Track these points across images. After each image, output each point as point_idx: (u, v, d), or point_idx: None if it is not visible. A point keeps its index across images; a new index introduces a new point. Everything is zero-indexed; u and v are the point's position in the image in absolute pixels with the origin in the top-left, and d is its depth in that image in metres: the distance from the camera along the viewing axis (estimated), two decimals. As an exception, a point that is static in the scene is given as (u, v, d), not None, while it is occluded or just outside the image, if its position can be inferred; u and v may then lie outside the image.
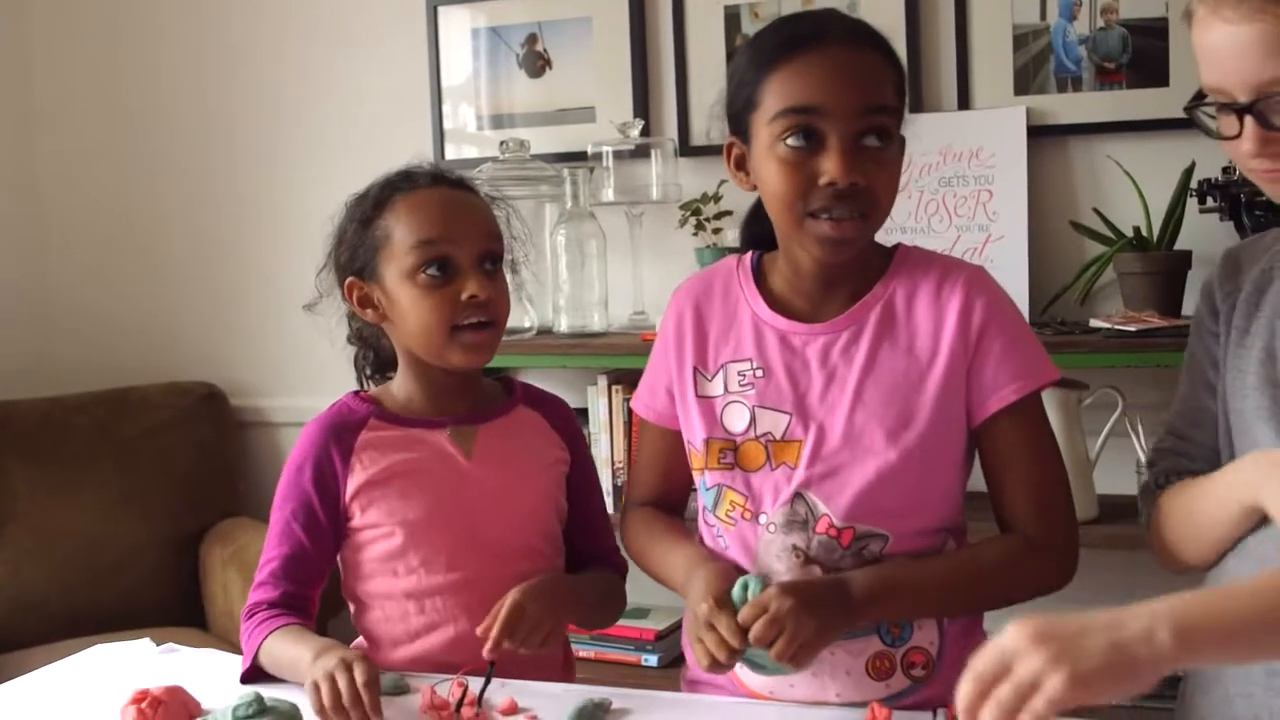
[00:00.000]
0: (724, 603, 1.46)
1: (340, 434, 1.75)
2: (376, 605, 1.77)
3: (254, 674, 1.69)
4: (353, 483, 1.73)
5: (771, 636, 1.41)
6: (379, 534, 1.74)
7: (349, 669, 1.49)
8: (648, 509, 1.77)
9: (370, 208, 1.74)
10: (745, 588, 1.46)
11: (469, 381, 1.78)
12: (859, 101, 1.50)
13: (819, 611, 1.43)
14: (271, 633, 1.67)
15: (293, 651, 1.63)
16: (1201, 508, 1.49)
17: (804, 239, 1.56)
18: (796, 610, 1.41)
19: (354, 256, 1.75)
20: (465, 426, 1.77)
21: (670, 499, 1.77)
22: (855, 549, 1.56)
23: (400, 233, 1.70)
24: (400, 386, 1.80)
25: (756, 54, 1.56)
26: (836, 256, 1.57)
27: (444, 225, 1.70)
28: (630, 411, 2.87)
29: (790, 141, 1.52)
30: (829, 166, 1.50)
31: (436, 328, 1.69)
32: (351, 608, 1.81)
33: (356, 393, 1.82)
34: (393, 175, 1.77)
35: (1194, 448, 1.59)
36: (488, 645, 1.57)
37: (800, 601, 1.42)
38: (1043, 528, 1.59)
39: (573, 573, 1.81)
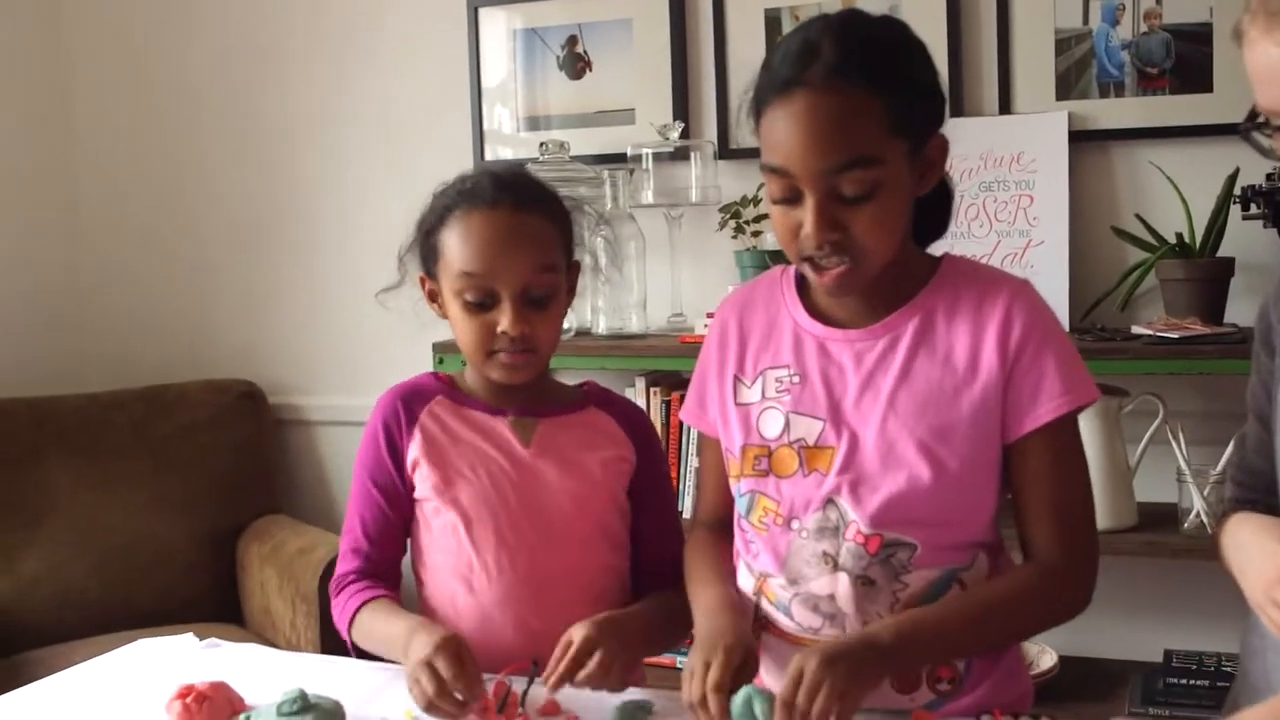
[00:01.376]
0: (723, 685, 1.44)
1: (409, 402, 1.80)
2: (431, 583, 1.80)
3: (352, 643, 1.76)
4: (412, 451, 1.77)
5: (811, 702, 1.37)
6: (432, 508, 1.77)
7: (443, 651, 1.51)
8: (704, 533, 1.76)
9: (435, 216, 1.76)
10: (749, 703, 1.41)
11: (527, 384, 1.78)
12: (822, 164, 1.47)
13: (847, 661, 1.40)
14: (363, 606, 1.73)
15: (383, 629, 1.69)
16: (1229, 559, 1.50)
17: (808, 275, 1.58)
18: (828, 665, 1.38)
19: (423, 256, 1.79)
20: (527, 417, 1.79)
21: (732, 512, 1.73)
22: (883, 556, 1.55)
23: (450, 254, 1.73)
24: (468, 373, 1.85)
25: (755, 94, 1.55)
26: (836, 295, 1.60)
27: (487, 260, 1.70)
28: (669, 413, 2.88)
29: (776, 198, 1.53)
30: (805, 222, 1.50)
31: (474, 348, 1.74)
32: (415, 583, 1.84)
33: (436, 374, 1.87)
34: (466, 179, 1.77)
35: (1258, 479, 1.58)
36: (551, 679, 1.54)
37: (827, 657, 1.39)
38: (1067, 554, 1.57)
39: (638, 582, 1.82)
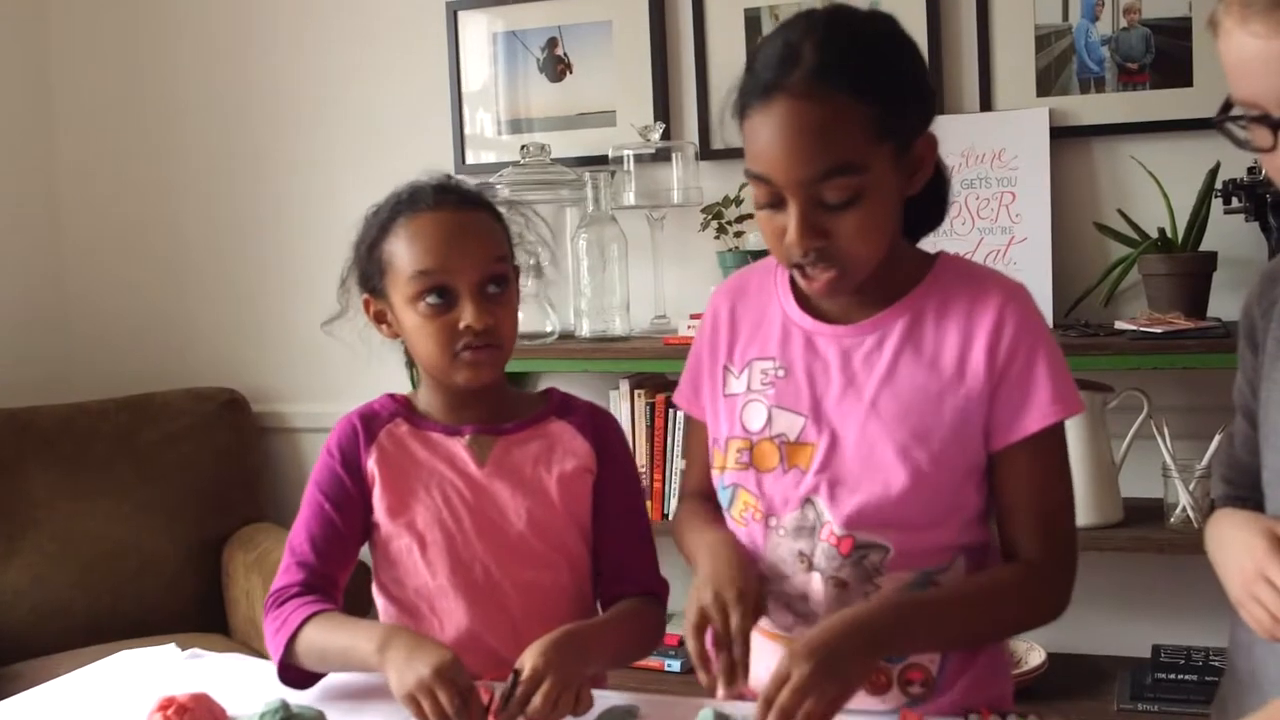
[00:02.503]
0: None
1: (368, 423, 1.78)
2: (392, 602, 1.78)
3: (288, 664, 1.67)
4: (371, 469, 1.75)
5: (797, 707, 1.36)
6: (389, 529, 1.75)
7: (444, 679, 1.47)
8: (694, 500, 1.75)
9: (376, 230, 1.75)
10: None
11: (487, 392, 1.77)
12: (804, 173, 1.45)
13: (838, 661, 1.39)
14: (309, 619, 1.65)
15: (342, 640, 1.61)
16: (1211, 554, 1.49)
17: (798, 279, 1.57)
18: (819, 668, 1.37)
19: (367, 275, 1.77)
20: (484, 435, 1.77)
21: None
22: (855, 558, 1.54)
23: (401, 260, 1.71)
24: (423, 394, 1.82)
25: (739, 96, 1.52)
26: (826, 299, 1.59)
27: (441, 255, 1.69)
28: (654, 416, 2.88)
29: (761, 203, 1.51)
30: (789, 229, 1.48)
31: (438, 352, 1.71)
32: (378, 604, 1.82)
33: (392, 395, 1.84)
34: (401, 193, 1.76)
35: (1245, 476, 1.57)
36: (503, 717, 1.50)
37: (820, 659, 1.38)
38: (1050, 557, 1.56)
39: (604, 590, 1.80)
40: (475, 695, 1.48)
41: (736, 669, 1.43)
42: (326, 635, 1.64)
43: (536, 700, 1.48)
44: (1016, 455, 1.55)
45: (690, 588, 1.53)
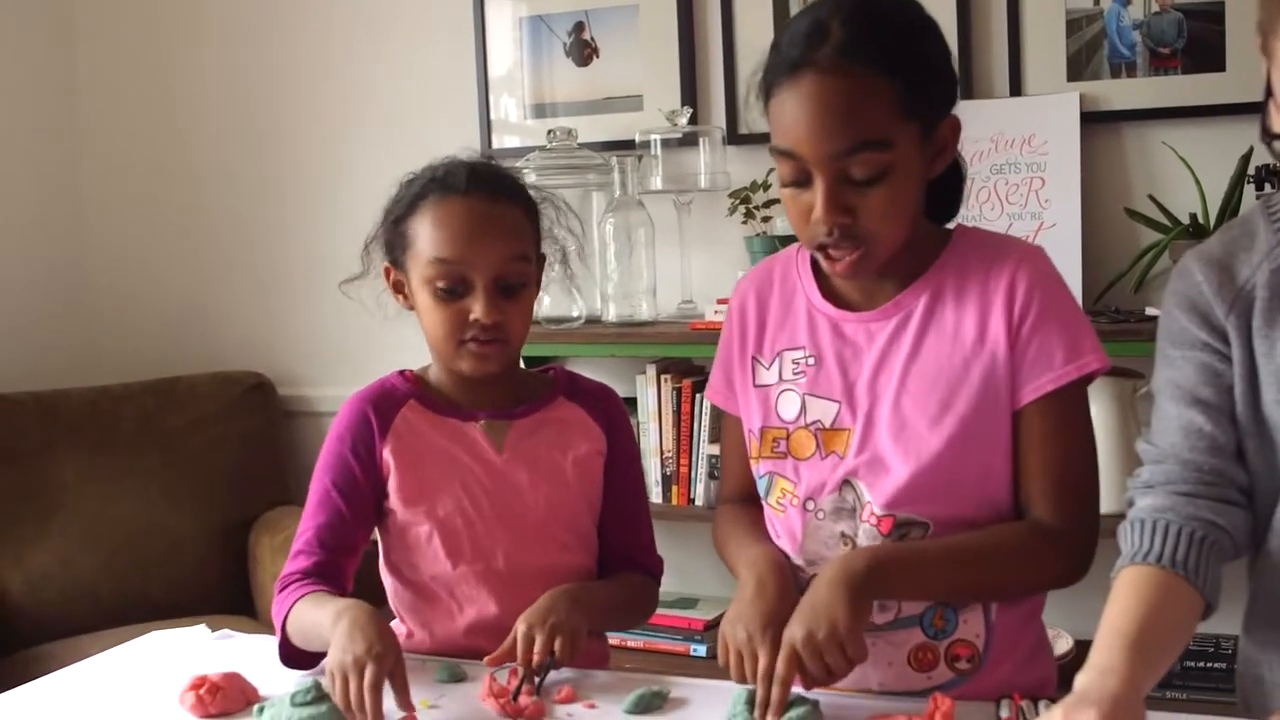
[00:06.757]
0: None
1: (380, 407, 1.76)
2: (405, 586, 1.78)
3: (289, 647, 1.67)
4: (386, 458, 1.74)
5: (821, 665, 1.41)
6: (406, 516, 1.74)
7: (359, 669, 1.47)
8: (735, 507, 1.75)
9: (405, 205, 1.74)
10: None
11: (497, 377, 1.76)
12: (831, 147, 1.46)
13: (824, 612, 1.42)
14: (297, 601, 1.66)
15: (314, 616, 1.61)
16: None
17: (821, 262, 1.58)
18: (809, 630, 1.41)
19: (390, 245, 1.77)
20: (499, 420, 1.76)
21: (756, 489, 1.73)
22: (896, 536, 1.55)
23: (422, 241, 1.70)
24: (434, 373, 1.81)
25: (764, 75, 1.54)
26: (848, 279, 1.59)
27: (463, 246, 1.68)
28: (680, 400, 2.87)
29: (787, 181, 1.52)
30: (815, 205, 1.49)
31: (444, 338, 1.71)
32: (387, 585, 1.82)
33: (402, 372, 1.83)
34: (436, 169, 1.75)
35: (1201, 484, 1.47)
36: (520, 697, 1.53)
37: (805, 623, 1.42)
38: (1057, 515, 1.54)
39: (604, 569, 1.81)
40: (403, 687, 1.49)
41: (771, 706, 1.43)
42: (305, 613, 1.64)
43: (536, 647, 1.54)
44: (1031, 415, 1.55)
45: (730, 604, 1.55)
